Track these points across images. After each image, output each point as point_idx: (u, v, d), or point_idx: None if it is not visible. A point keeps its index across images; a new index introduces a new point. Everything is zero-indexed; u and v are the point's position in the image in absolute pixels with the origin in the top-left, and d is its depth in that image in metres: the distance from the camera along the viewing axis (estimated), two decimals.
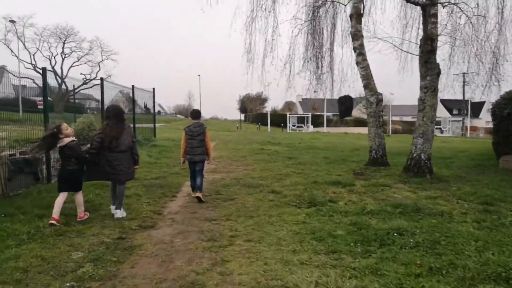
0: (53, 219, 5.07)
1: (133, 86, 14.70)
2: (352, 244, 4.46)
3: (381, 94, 10.59)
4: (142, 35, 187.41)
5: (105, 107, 8.66)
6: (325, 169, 10.41)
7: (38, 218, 5.26)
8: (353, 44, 10.71)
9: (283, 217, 5.67)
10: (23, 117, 10.31)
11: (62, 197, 5.34)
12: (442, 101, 61.95)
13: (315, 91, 12.69)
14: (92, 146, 5.59)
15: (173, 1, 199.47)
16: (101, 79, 12.33)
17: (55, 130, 5.41)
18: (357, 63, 10.79)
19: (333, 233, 4.86)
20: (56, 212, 5.15)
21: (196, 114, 7.35)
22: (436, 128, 41.37)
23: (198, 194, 6.82)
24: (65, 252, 4.21)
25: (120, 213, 5.64)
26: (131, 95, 16.67)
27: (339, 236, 4.74)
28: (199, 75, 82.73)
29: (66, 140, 5.42)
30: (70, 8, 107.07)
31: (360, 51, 10.58)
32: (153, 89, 17.51)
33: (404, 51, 11.47)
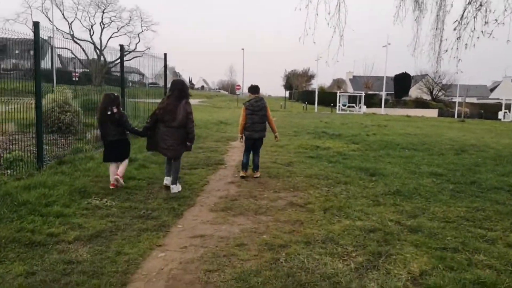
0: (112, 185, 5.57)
1: (121, 46, 9.90)
2: None
3: None
4: (184, 6, 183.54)
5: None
6: (466, 217, 4.81)
7: None
8: None
9: None
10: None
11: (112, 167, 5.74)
12: None
13: None
14: (149, 120, 5.86)
15: None
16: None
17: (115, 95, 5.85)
18: None
19: None
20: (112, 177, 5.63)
21: (254, 88, 7.08)
22: None
23: (257, 174, 6.87)
24: None
25: (176, 188, 5.68)
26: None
27: None
28: (242, 49, 77.08)
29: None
30: None
31: None
32: (165, 54, 12.64)
33: None
